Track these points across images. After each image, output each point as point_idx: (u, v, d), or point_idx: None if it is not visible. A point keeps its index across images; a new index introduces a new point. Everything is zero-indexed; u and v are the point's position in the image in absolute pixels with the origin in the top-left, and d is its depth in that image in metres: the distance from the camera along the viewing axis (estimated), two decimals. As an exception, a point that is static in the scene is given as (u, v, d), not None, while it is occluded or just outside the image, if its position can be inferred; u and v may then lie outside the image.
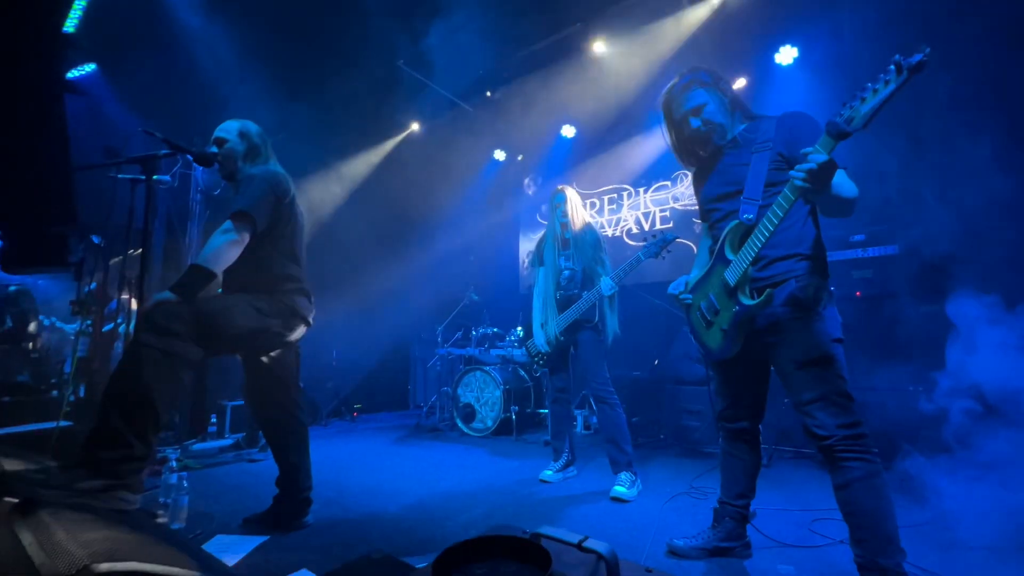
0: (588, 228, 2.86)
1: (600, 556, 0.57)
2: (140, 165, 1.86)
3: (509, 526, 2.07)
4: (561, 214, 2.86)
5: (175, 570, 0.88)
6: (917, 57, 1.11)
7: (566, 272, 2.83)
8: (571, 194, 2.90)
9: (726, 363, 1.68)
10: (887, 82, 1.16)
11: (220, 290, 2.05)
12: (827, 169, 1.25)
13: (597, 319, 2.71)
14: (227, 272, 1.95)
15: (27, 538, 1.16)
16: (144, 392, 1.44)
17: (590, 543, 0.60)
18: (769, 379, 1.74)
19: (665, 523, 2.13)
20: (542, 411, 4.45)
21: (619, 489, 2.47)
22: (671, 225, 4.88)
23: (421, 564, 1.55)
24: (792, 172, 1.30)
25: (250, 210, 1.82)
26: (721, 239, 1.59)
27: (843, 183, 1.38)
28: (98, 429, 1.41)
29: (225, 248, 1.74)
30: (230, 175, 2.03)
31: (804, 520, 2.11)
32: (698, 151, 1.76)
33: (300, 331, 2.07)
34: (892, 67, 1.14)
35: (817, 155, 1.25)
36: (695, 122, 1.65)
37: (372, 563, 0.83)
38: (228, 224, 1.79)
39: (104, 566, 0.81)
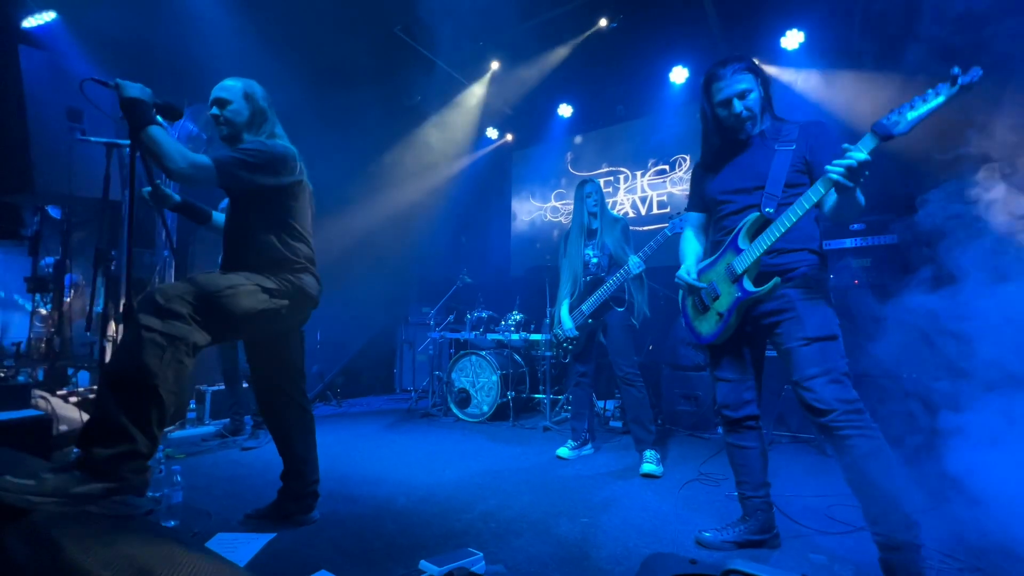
0: (613, 216, 3.01)
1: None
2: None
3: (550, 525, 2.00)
4: (592, 204, 2.96)
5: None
6: (977, 73, 1.18)
7: (594, 259, 2.93)
8: (598, 185, 3.01)
9: (726, 348, 1.72)
10: (938, 94, 1.23)
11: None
12: (865, 167, 1.29)
13: (627, 300, 2.84)
14: (233, 250, 1.79)
15: (22, 552, 1.01)
16: (148, 381, 1.28)
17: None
18: (764, 364, 1.78)
19: (683, 511, 2.11)
20: (538, 396, 4.40)
21: (648, 467, 2.60)
22: (668, 210, 4.84)
23: (462, 563, 1.47)
24: (829, 167, 1.33)
25: (224, 165, 1.62)
26: (736, 229, 1.62)
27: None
28: (95, 424, 1.24)
29: (181, 155, 1.50)
30: (232, 140, 1.83)
31: (820, 507, 2.13)
32: (715, 140, 1.74)
33: (308, 313, 1.93)
34: (948, 81, 1.21)
35: (858, 152, 1.28)
36: (739, 106, 1.62)
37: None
38: (206, 159, 1.58)
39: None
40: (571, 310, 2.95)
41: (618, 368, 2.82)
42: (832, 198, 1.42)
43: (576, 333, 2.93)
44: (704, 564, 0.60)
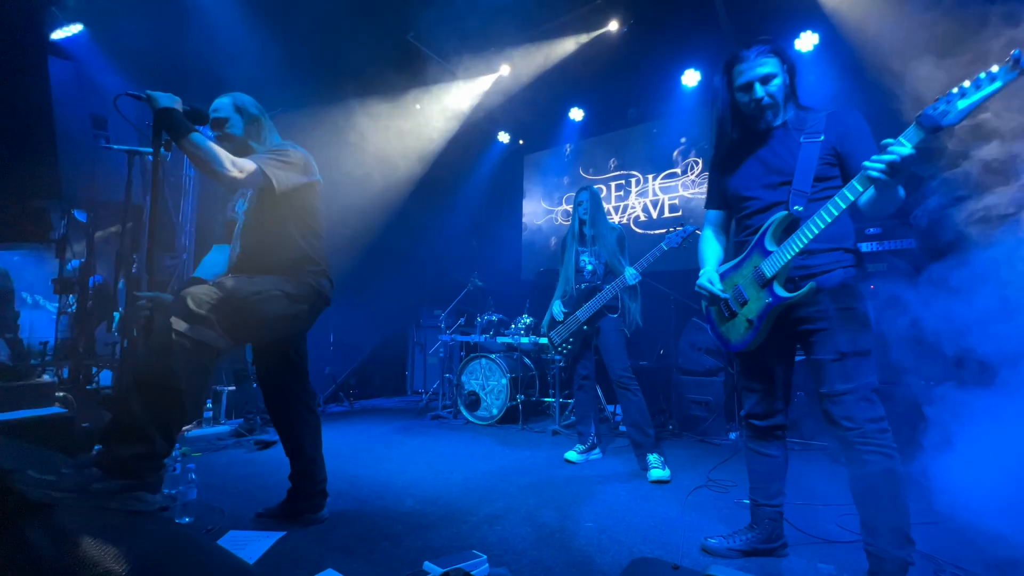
0: (610, 225, 3.03)
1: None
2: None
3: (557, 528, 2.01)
4: (583, 211, 3.00)
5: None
6: None
7: (588, 266, 2.98)
8: (593, 193, 3.04)
9: (755, 356, 1.62)
10: (993, 79, 1.09)
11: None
12: (909, 163, 1.17)
13: (620, 308, 2.89)
14: (253, 250, 1.84)
15: (43, 544, 1.06)
16: (173, 383, 1.33)
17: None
18: (793, 371, 1.68)
19: (689, 518, 2.09)
20: (547, 400, 4.41)
21: (655, 472, 2.58)
22: (680, 213, 4.82)
23: (462, 565, 1.48)
24: (867, 163, 1.23)
25: (266, 166, 1.69)
26: (763, 229, 1.51)
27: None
28: (118, 423, 1.29)
29: (228, 159, 1.56)
30: (240, 153, 1.89)
31: (830, 516, 2.09)
32: (732, 129, 1.63)
33: (319, 315, 1.98)
34: (1007, 64, 1.08)
35: (900, 147, 1.17)
36: (760, 90, 1.49)
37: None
38: (250, 162, 1.64)
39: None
40: (565, 317, 3.02)
41: (612, 372, 2.83)
42: (869, 194, 1.30)
43: (562, 317, 3.00)
44: (686, 570, 0.61)
